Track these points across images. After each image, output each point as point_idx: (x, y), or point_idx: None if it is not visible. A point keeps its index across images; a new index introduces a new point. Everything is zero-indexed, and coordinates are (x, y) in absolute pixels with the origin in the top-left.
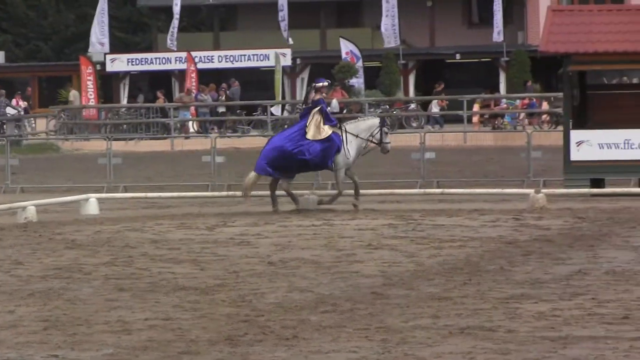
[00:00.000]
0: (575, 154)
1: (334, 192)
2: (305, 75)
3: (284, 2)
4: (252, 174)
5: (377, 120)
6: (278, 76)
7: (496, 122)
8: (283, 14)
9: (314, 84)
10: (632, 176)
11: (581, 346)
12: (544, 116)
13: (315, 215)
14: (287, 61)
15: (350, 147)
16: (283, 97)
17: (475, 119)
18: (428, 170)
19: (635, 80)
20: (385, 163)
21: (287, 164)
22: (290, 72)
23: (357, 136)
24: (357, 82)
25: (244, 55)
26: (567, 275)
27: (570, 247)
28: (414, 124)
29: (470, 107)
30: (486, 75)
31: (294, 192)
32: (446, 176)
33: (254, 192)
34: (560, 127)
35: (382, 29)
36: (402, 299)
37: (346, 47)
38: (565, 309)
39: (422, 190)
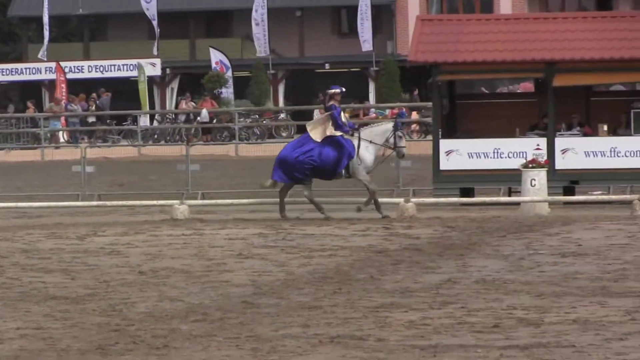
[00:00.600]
0: (445, 163)
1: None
2: (174, 85)
3: (154, 13)
4: (269, 181)
5: (390, 125)
6: (142, 86)
7: None
8: (153, 24)
9: (327, 91)
10: (501, 185)
11: (451, 355)
12: (414, 125)
13: (186, 225)
14: (156, 71)
15: (367, 153)
16: (152, 107)
17: None
18: None
19: (504, 90)
20: (256, 172)
21: (296, 171)
22: (160, 82)
23: (371, 142)
24: (227, 92)
25: (114, 65)
26: (437, 284)
27: (440, 256)
28: (284, 134)
29: None
30: (356, 84)
31: (316, 199)
32: (315, 185)
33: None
34: (430, 137)
35: (255, 38)
36: (273, 308)
37: (216, 57)
38: (435, 317)
39: (292, 200)
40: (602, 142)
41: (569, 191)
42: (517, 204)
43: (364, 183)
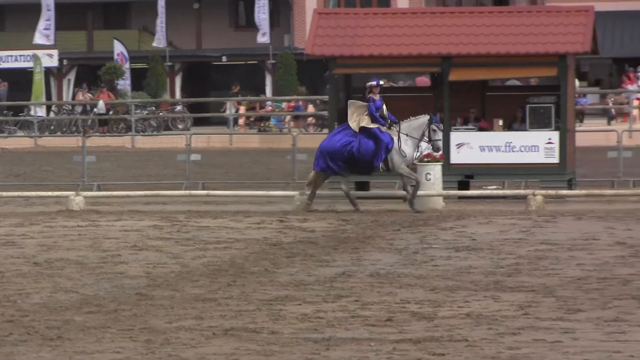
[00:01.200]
0: None
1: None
2: (72, 76)
3: (51, 3)
4: (312, 172)
5: (427, 118)
6: (38, 77)
7: (262, 125)
8: (49, 14)
9: (366, 84)
10: (398, 180)
11: (344, 348)
12: (310, 119)
13: (81, 216)
14: (54, 62)
15: (407, 147)
16: (49, 98)
17: (241, 121)
18: (194, 172)
19: (401, 84)
20: (151, 164)
21: (335, 159)
22: (57, 73)
23: (408, 135)
24: (124, 83)
25: (11, 56)
26: (331, 277)
27: (334, 250)
28: (180, 126)
29: (236, 110)
30: (252, 77)
31: (352, 193)
32: (212, 178)
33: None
34: (326, 130)
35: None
36: (167, 300)
37: (118, 49)
38: (329, 310)
39: (187, 192)
40: (497, 137)
41: (463, 186)
42: None
43: (406, 176)
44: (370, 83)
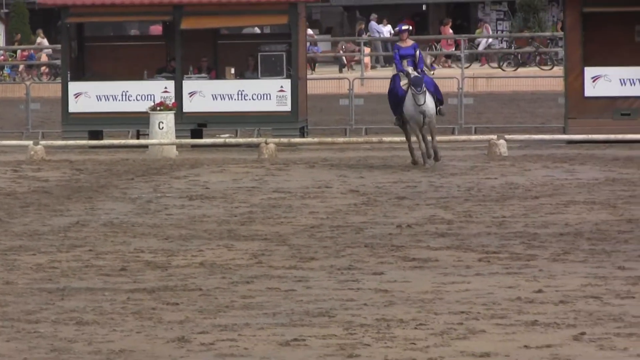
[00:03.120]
0: (74, 106)
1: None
2: None
3: None
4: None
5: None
6: None
7: None
8: None
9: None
10: (130, 128)
11: (78, 298)
12: (43, 68)
13: None
14: None
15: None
16: None
17: None
18: None
19: (133, 32)
20: None
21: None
22: None
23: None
24: None
25: None
26: (65, 227)
27: (68, 199)
28: None
29: None
30: None
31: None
32: None
33: None
34: (59, 79)
35: None
36: None
37: None
38: (63, 260)
39: None
40: (230, 85)
41: (197, 134)
42: (146, 146)
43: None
44: (399, 28)
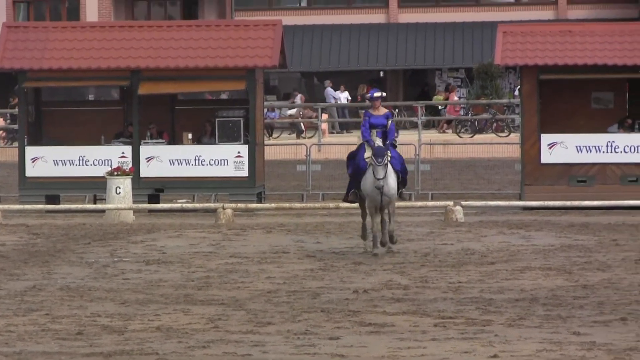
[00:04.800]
0: (31, 170)
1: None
2: None
3: None
4: None
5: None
6: None
7: None
8: None
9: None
10: (87, 193)
11: None
12: (0, 132)
13: None
14: None
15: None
16: None
17: None
18: None
19: (91, 97)
20: None
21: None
22: None
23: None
24: None
25: None
26: (21, 290)
27: (25, 263)
28: None
29: None
30: None
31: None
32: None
33: None
34: (16, 143)
35: None
36: None
37: None
38: (20, 324)
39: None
40: (187, 151)
41: (154, 199)
42: (103, 211)
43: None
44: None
